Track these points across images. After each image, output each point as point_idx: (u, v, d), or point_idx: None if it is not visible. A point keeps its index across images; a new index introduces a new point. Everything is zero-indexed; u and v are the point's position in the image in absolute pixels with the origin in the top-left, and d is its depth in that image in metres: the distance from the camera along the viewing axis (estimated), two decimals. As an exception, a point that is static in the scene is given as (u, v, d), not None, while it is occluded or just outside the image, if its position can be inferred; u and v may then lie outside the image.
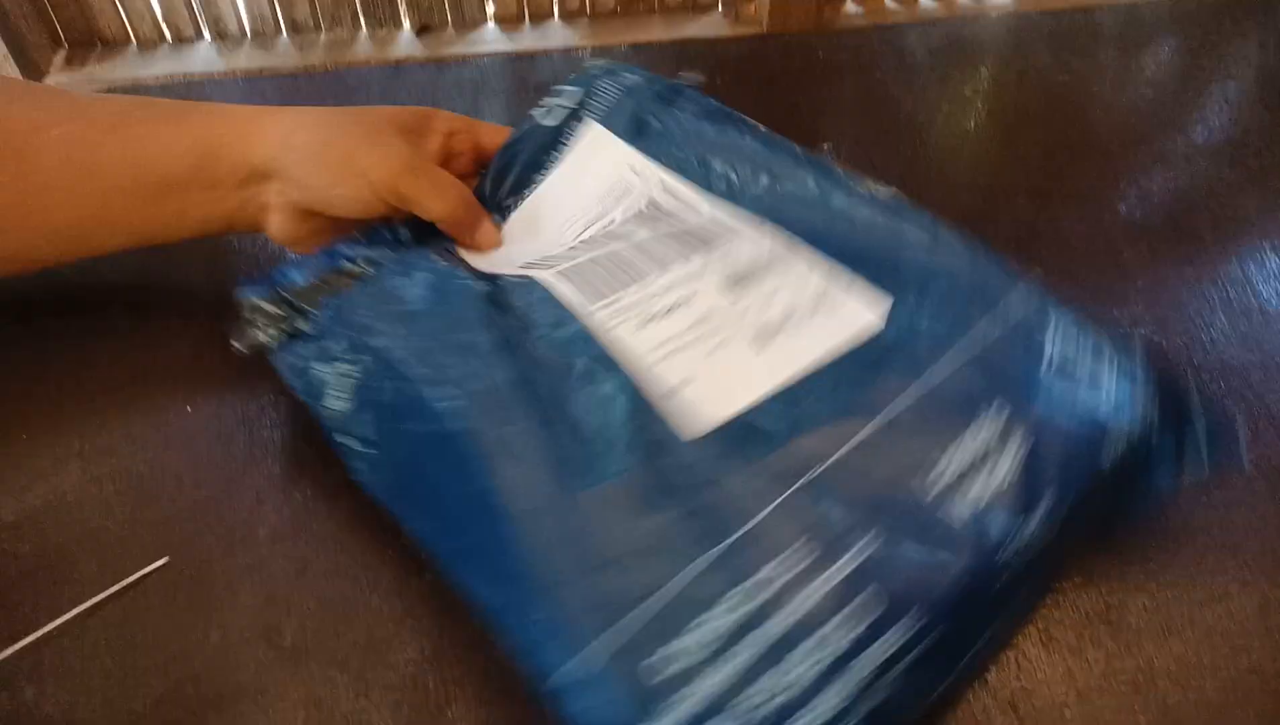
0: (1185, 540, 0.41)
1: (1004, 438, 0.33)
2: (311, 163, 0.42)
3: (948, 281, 0.39)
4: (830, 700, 0.28)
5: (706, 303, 0.39)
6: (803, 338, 0.37)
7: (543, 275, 0.40)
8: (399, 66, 0.73)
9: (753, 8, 0.80)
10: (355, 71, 0.72)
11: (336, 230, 0.44)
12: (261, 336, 0.40)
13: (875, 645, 0.29)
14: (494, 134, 0.49)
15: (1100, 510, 0.35)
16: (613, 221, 0.45)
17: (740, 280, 0.39)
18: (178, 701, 0.36)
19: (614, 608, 0.29)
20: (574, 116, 0.48)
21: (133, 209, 0.43)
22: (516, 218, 0.47)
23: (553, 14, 0.81)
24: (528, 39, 0.79)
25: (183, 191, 0.43)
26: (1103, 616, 0.38)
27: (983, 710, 0.36)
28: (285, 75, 0.72)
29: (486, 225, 0.45)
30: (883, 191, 0.43)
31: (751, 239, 0.42)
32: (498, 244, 0.45)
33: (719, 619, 0.29)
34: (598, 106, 0.48)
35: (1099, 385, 0.35)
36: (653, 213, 0.45)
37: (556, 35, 0.80)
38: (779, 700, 0.27)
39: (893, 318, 0.37)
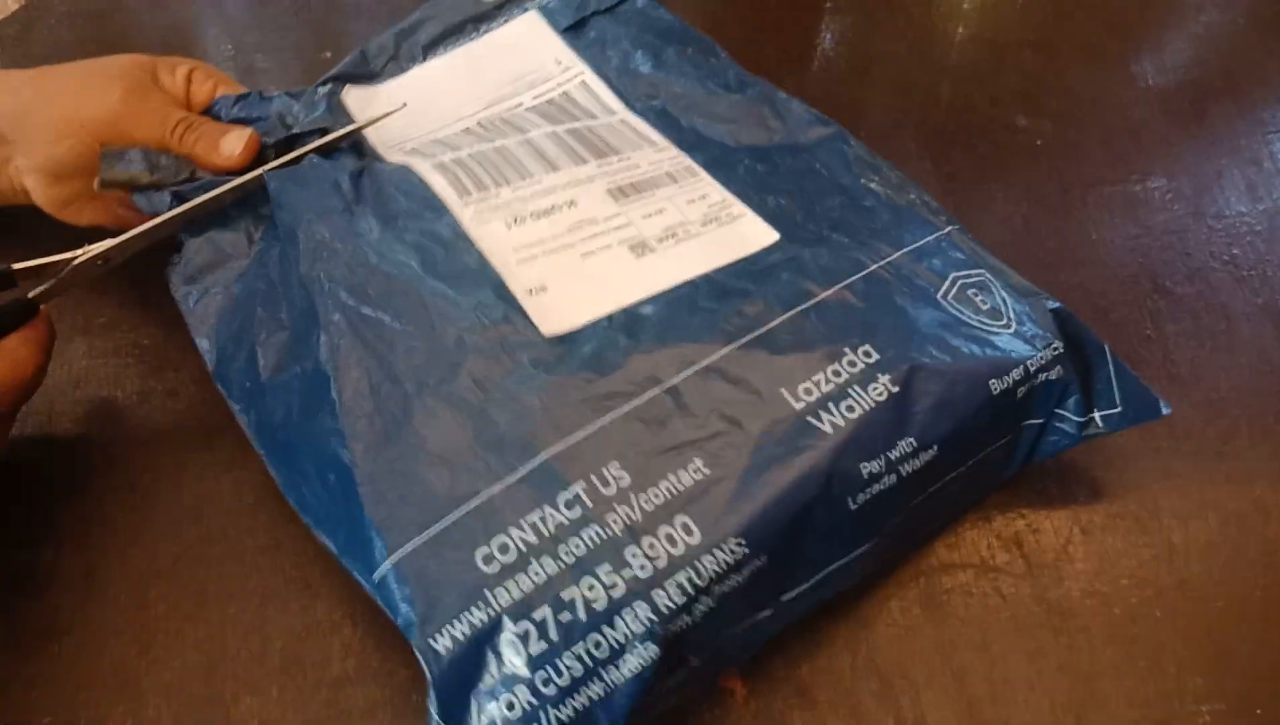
0: (1190, 391, 0.41)
1: (879, 367, 0.32)
2: (36, 122, 0.40)
3: (856, 220, 0.38)
4: (642, 611, 0.27)
5: (590, 209, 0.38)
6: (684, 252, 0.36)
7: (420, 165, 0.39)
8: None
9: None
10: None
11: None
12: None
13: (701, 563, 0.28)
14: (234, 86, 0.45)
15: (999, 444, 0.35)
16: (519, 106, 0.44)
17: (631, 190, 0.39)
18: (196, 559, 0.36)
19: (441, 503, 0.29)
20: (516, 4, 0.48)
21: None
22: (419, 76, 0.46)
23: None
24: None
25: None
26: (1105, 464, 0.39)
27: (987, 548, 0.37)
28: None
29: (227, 137, 0.40)
30: (819, 131, 0.42)
31: (655, 151, 0.41)
32: (251, 144, 0.40)
33: (539, 522, 0.28)
34: (543, 1, 0.48)
35: (991, 327, 0.34)
36: (563, 104, 0.44)
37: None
38: (594, 606, 0.27)
39: (783, 247, 0.37)
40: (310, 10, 0.60)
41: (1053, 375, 0.34)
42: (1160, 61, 0.56)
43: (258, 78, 0.55)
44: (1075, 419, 0.35)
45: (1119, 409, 0.35)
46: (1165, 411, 0.35)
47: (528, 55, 0.46)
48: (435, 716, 0.27)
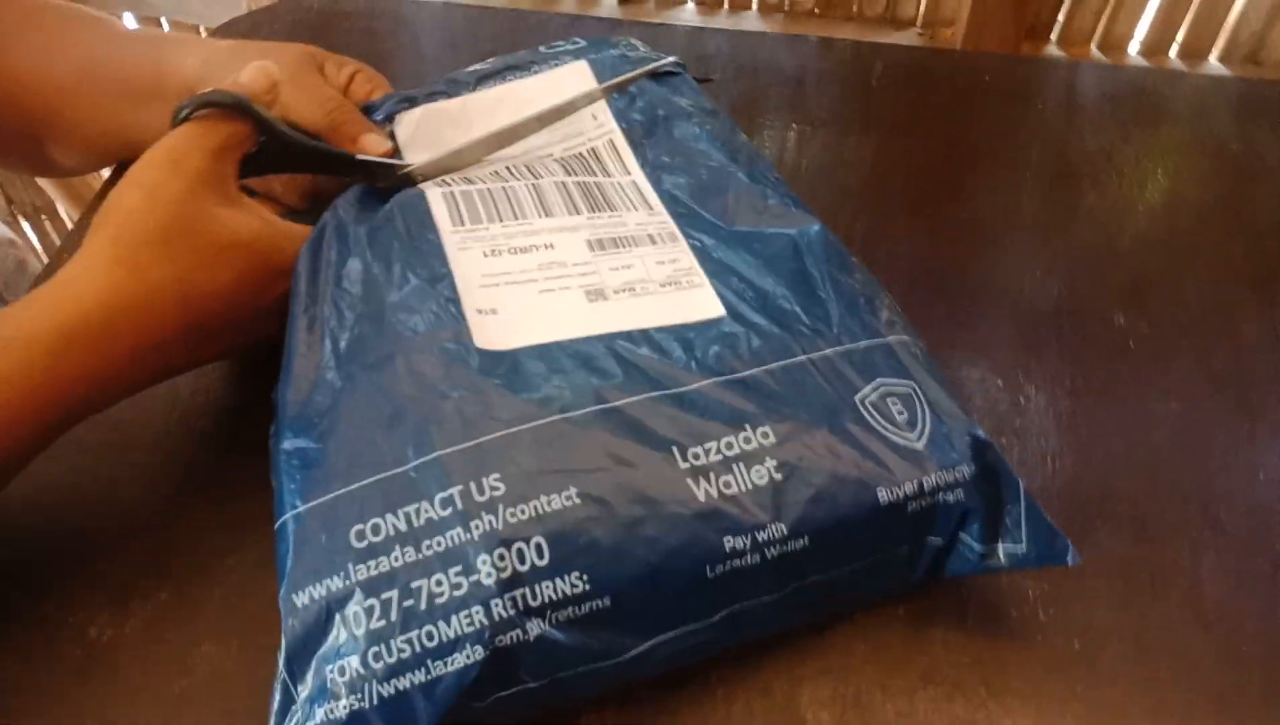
0: (1211, 630, 0.39)
1: (770, 452, 0.33)
2: (219, 79, 0.45)
3: (805, 310, 0.39)
4: (477, 615, 0.29)
5: (564, 254, 0.41)
6: (635, 306, 0.39)
7: (431, 192, 0.43)
8: (577, 18, 0.76)
9: (950, 32, 0.79)
10: (537, 14, 0.76)
11: None
12: None
13: (541, 586, 0.30)
14: (388, 88, 0.52)
15: (895, 552, 0.36)
16: (550, 154, 0.48)
17: (609, 244, 0.41)
18: (221, 483, 0.40)
19: (338, 476, 0.32)
20: (570, 56, 0.52)
21: (122, 111, 0.49)
22: (468, 101, 0.50)
23: (750, 6, 0.83)
24: (720, 23, 0.80)
25: (146, 102, 0.49)
26: (1095, 681, 0.38)
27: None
28: (474, 8, 0.77)
29: (369, 136, 0.47)
30: (803, 220, 0.43)
31: (647, 214, 0.44)
32: (385, 150, 0.46)
33: (412, 513, 0.31)
34: (593, 57, 0.52)
35: (901, 438, 0.35)
36: (586, 159, 0.47)
37: (749, 24, 0.81)
38: (437, 601, 0.30)
39: (724, 322, 0.38)
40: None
41: (952, 497, 0.35)
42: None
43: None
44: (976, 547, 0.36)
45: (1024, 548, 0.35)
46: (1072, 561, 0.35)
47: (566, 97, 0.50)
48: (281, 667, 0.30)
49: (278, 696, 0.30)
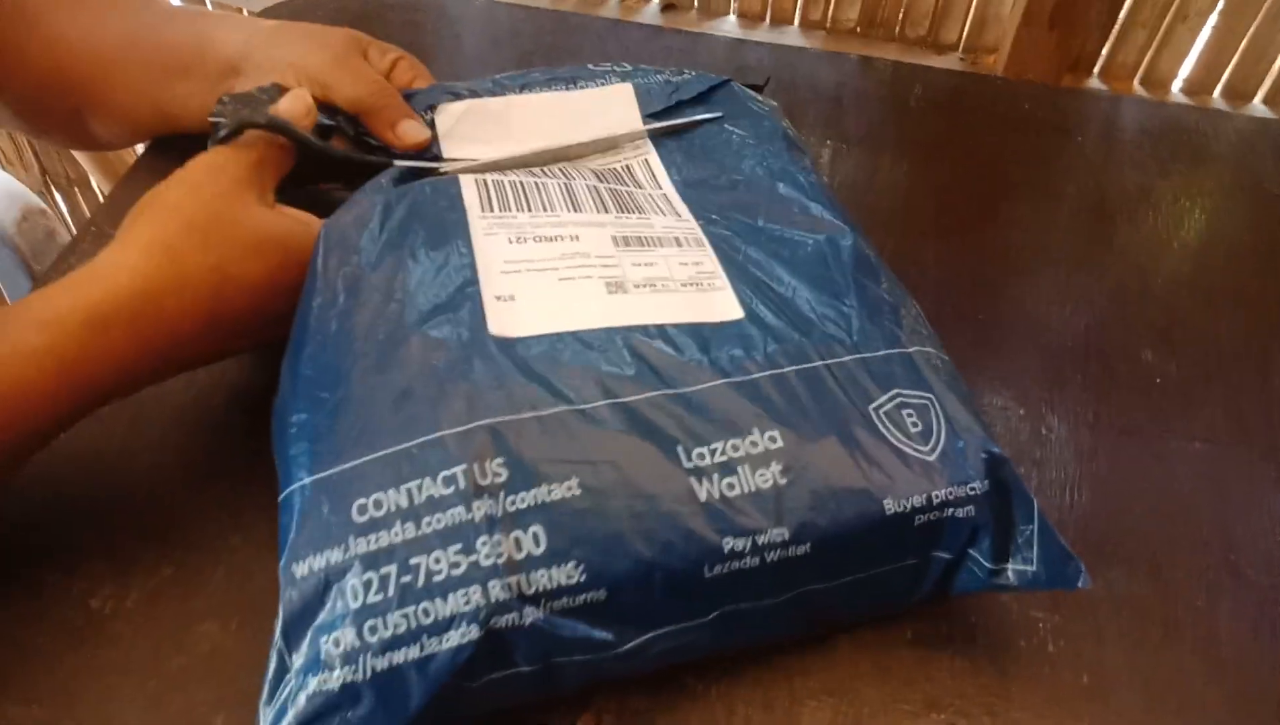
0: (1225, 677, 0.38)
1: (776, 456, 0.33)
2: (261, 60, 0.47)
3: (826, 317, 0.39)
4: (474, 597, 0.29)
5: (588, 246, 0.40)
6: (654, 302, 0.38)
7: (464, 176, 0.43)
8: (618, 23, 0.77)
9: (992, 59, 0.79)
10: (579, 16, 0.76)
11: None
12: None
13: (536, 574, 0.30)
14: (430, 78, 0.52)
15: (900, 565, 0.35)
16: (585, 164, 0.48)
17: (635, 242, 0.41)
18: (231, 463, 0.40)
19: (341, 451, 0.32)
20: (616, 78, 0.52)
21: (161, 85, 0.49)
22: (512, 102, 0.50)
23: (793, 21, 0.83)
24: (761, 36, 0.80)
25: (185, 77, 0.49)
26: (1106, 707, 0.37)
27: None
28: (517, 6, 0.77)
29: (408, 122, 0.47)
30: (835, 226, 0.43)
31: (676, 220, 0.43)
32: (423, 138, 0.47)
33: (414, 489, 0.31)
34: (638, 81, 0.52)
35: (913, 450, 0.35)
36: (619, 174, 0.47)
37: (790, 39, 0.81)
38: (434, 579, 0.30)
39: (741, 325, 0.38)
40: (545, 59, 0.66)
41: (962, 513, 0.35)
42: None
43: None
44: (985, 564, 0.35)
45: (1034, 568, 0.35)
46: (1083, 584, 0.34)
47: (610, 122, 0.50)
48: (277, 636, 0.30)
49: (272, 665, 0.30)
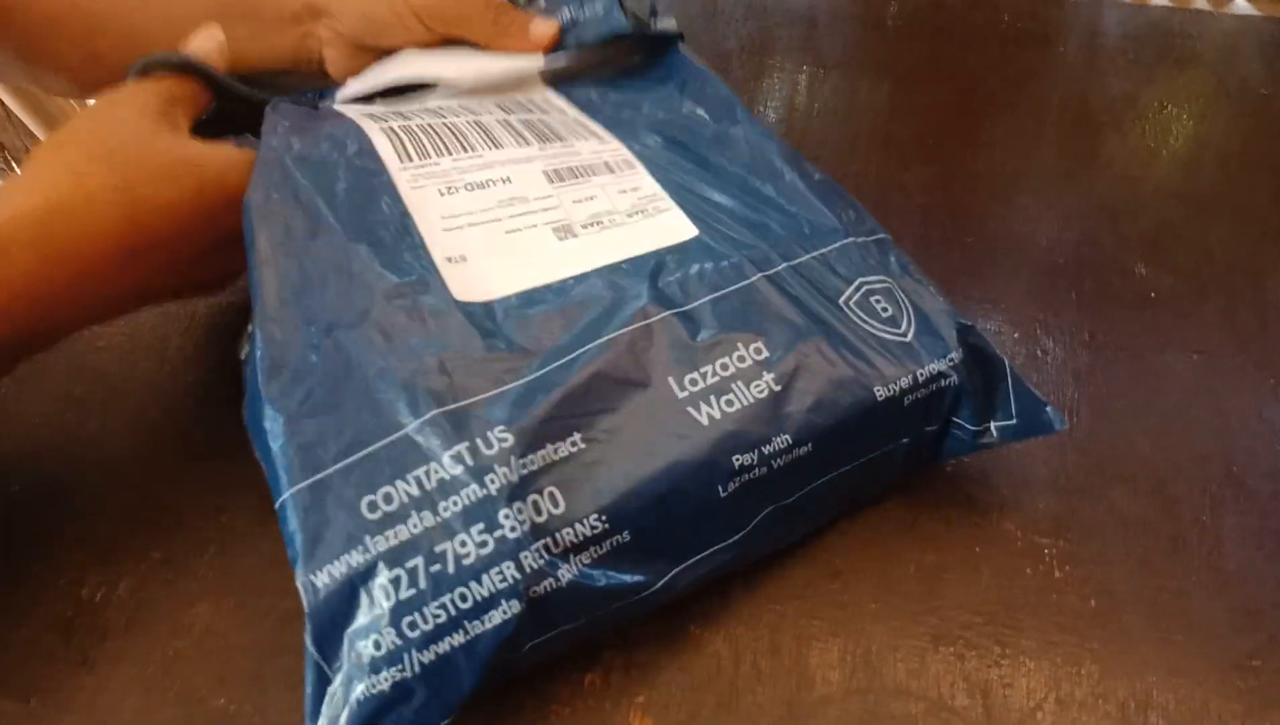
0: (1229, 591, 0.38)
1: (766, 366, 0.34)
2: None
3: (775, 220, 0.39)
4: (509, 571, 0.29)
5: (523, 187, 0.39)
6: (606, 240, 0.38)
7: (369, 126, 0.40)
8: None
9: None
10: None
11: None
12: None
13: (562, 534, 0.30)
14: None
15: (894, 446, 0.36)
16: (480, 98, 0.46)
17: (567, 174, 0.40)
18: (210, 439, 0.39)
19: (334, 449, 0.30)
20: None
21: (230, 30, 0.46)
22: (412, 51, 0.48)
23: None
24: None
25: (249, 18, 0.45)
26: (1107, 639, 0.36)
27: (950, 685, 0.35)
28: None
29: (538, 22, 0.46)
30: (753, 128, 0.43)
31: (599, 143, 0.42)
32: (556, 30, 0.46)
33: (423, 476, 0.30)
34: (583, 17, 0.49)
35: (888, 334, 0.35)
36: (521, 103, 0.46)
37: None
38: (464, 562, 0.29)
39: (699, 241, 0.38)
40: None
41: (946, 383, 0.35)
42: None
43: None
44: (969, 427, 0.37)
45: (1014, 421, 0.36)
46: (1060, 427, 0.35)
47: (509, 73, 0.48)
48: (310, 648, 0.28)
49: (310, 679, 0.29)
